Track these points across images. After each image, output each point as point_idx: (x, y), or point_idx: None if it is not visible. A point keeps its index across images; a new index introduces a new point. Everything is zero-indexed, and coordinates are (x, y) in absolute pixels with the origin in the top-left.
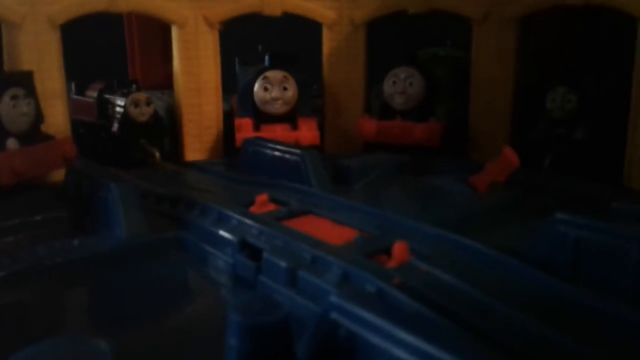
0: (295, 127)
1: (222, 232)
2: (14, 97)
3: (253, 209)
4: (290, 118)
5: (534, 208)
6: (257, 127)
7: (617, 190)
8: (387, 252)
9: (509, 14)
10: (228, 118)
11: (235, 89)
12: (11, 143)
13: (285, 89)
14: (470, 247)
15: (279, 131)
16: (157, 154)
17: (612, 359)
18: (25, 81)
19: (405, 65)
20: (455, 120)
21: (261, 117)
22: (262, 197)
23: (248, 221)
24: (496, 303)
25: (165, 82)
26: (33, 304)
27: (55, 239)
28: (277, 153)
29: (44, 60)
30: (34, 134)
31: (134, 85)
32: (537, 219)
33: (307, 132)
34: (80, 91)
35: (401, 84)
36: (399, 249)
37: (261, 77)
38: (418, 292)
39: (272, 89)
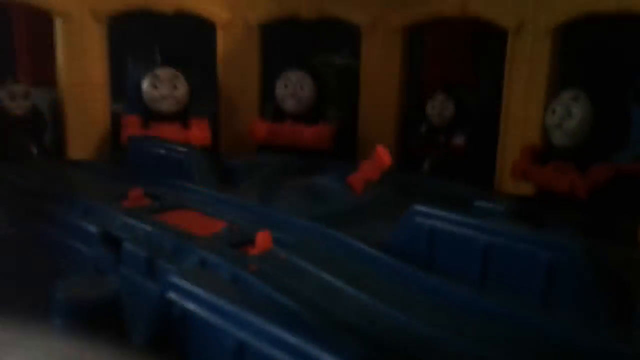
0: (186, 126)
1: (84, 224)
2: None
3: (126, 203)
4: (181, 117)
5: (405, 205)
6: (145, 125)
7: (485, 193)
8: (253, 242)
9: (394, 24)
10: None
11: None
12: None
13: (175, 87)
14: (334, 238)
15: (168, 130)
16: (34, 150)
17: (458, 339)
18: None
19: (297, 69)
20: (346, 124)
21: (150, 116)
22: (136, 192)
23: (113, 213)
24: (349, 288)
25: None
26: None
27: None
28: (162, 151)
29: None
30: None
31: (11, 78)
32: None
33: (198, 132)
34: None
35: (292, 87)
36: (262, 237)
37: (151, 74)
38: (272, 277)
39: (161, 86)
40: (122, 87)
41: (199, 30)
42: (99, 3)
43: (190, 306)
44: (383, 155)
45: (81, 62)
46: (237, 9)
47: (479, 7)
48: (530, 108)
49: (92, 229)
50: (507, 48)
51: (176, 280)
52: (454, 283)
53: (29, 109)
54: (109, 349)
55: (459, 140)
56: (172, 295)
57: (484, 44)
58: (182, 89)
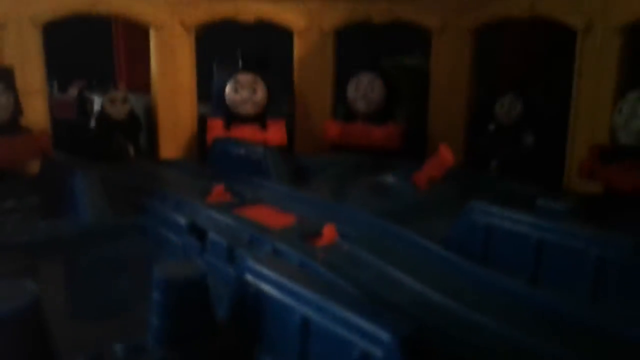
0: (264, 128)
1: (175, 217)
2: None
3: (210, 199)
4: (259, 119)
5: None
6: (227, 127)
7: (551, 192)
8: (321, 234)
9: (463, 26)
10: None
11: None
12: None
13: (254, 91)
14: (395, 232)
15: (248, 131)
16: (131, 150)
17: (509, 329)
18: (5, 76)
19: (367, 71)
20: (415, 124)
21: (232, 118)
22: (219, 188)
23: (200, 207)
24: (407, 278)
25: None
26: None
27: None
28: (242, 151)
29: (26, 58)
30: (12, 126)
31: (111, 85)
32: None
33: (275, 133)
34: (63, 89)
35: (363, 89)
36: (328, 230)
37: (232, 79)
38: (335, 266)
39: (241, 91)
40: (207, 89)
41: (277, 37)
42: (188, 15)
43: (263, 286)
44: (446, 154)
45: (172, 69)
46: (313, 16)
47: (547, 7)
48: (599, 108)
49: (182, 220)
50: (576, 48)
51: (251, 263)
52: (507, 277)
53: (127, 114)
54: None
55: (527, 139)
56: (248, 277)
57: (553, 44)
58: (260, 93)
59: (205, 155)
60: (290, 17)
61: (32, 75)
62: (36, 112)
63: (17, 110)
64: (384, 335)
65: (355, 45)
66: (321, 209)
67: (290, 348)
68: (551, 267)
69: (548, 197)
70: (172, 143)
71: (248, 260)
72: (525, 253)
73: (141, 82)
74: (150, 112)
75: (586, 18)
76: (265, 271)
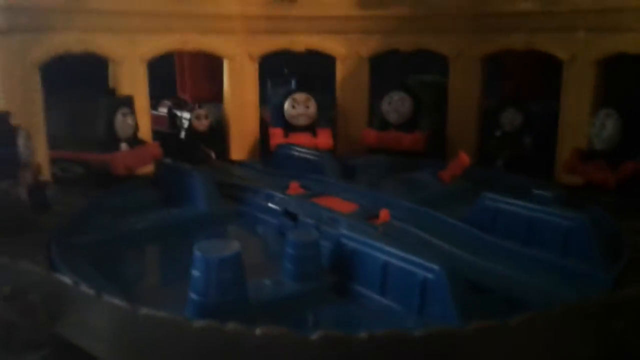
0: (314, 135)
1: (271, 205)
2: (124, 114)
3: (288, 191)
4: (311, 128)
5: (480, 193)
6: (286, 135)
7: (544, 184)
8: (377, 216)
9: (474, 54)
10: (260, 126)
11: (265, 103)
12: (123, 146)
13: (307, 107)
14: (430, 215)
15: (302, 138)
16: (213, 155)
17: (509, 273)
18: (129, 102)
19: (398, 90)
20: (436, 131)
21: (289, 127)
22: (295, 184)
23: (287, 198)
24: (440, 242)
25: (210, 97)
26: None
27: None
28: (302, 154)
29: (136, 87)
30: (135, 139)
31: (196, 104)
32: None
33: (324, 139)
34: (154, 108)
35: (394, 104)
36: (384, 213)
37: (290, 97)
38: (392, 236)
39: (298, 107)
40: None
41: (322, 62)
42: (254, 48)
43: (356, 244)
44: (464, 158)
45: (240, 89)
46: (352, 46)
47: (540, 42)
48: (579, 120)
49: (277, 207)
50: (562, 74)
51: (347, 232)
52: (507, 241)
53: (209, 126)
54: None
55: (526, 143)
56: (344, 240)
57: (547, 69)
58: (312, 108)
59: (265, 156)
60: (333, 46)
61: (140, 100)
62: (144, 127)
63: (137, 127)
64: (435, 267)
65: (383, 64)
66: (372, 198)
67: (375, 280)
68: (537, 234)
69: (541, 188)
70: (240, 147)
71: (344, 229)
72: (519, 226)
73: (204, 95)
74: (217, 122)
75: (570, 52)
76: (359, 236)
